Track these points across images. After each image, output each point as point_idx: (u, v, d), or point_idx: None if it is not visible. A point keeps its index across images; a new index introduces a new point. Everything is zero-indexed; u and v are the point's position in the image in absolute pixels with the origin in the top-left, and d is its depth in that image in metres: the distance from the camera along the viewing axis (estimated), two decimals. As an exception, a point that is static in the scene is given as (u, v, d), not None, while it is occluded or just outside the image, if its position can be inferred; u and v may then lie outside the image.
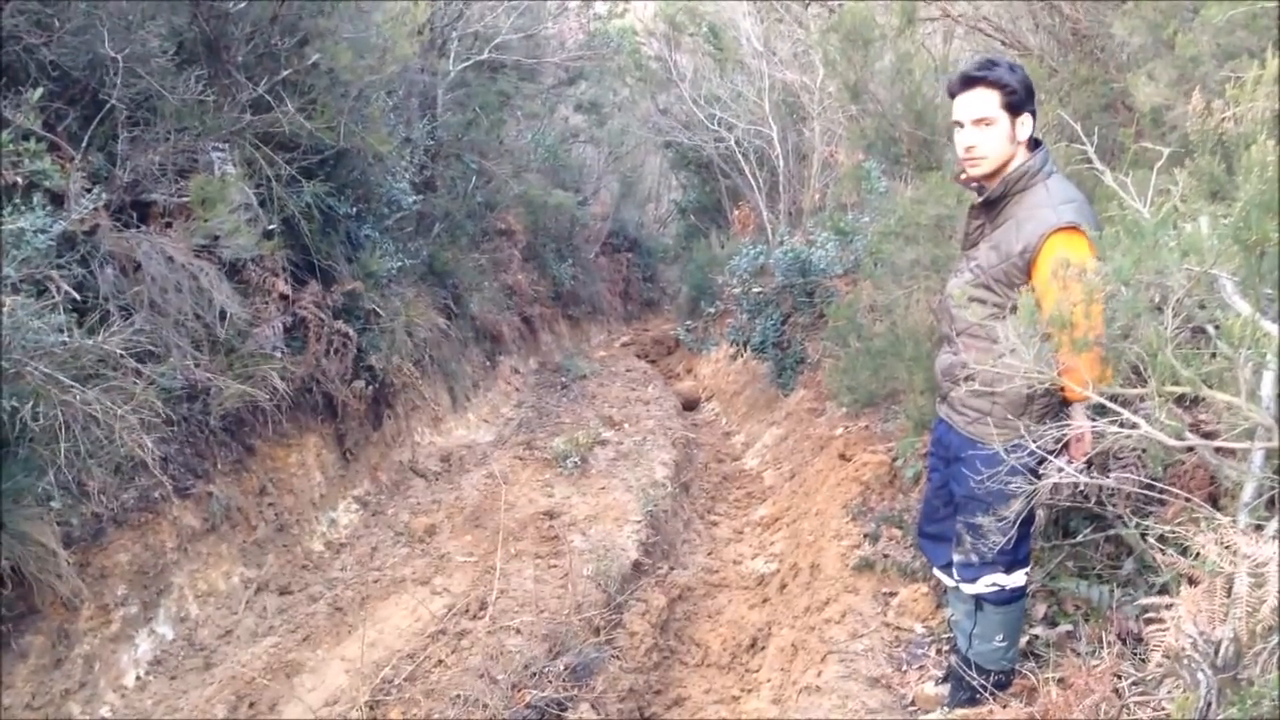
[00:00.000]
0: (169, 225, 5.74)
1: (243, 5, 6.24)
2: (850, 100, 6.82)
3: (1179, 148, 3.37)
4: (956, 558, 3.60)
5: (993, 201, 3.24)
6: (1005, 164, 3.21)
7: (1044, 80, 5.43)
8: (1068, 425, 3.05)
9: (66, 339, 4.42)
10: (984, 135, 3.18)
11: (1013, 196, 3.17)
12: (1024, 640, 3.89)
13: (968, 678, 3.70)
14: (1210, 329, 2.42)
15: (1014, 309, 2.85)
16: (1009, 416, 3.19)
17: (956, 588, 3.71)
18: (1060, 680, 3.40)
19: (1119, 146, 4.61)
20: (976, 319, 3.18)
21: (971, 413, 3.36)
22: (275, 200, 6.69)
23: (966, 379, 3.25)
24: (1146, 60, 4.36)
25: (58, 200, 4.91)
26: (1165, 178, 2.99)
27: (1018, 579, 3.50)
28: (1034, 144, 3.23)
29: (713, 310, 12.97)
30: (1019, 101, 3.14)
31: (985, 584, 3.52)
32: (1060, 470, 2.93)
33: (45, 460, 4.40)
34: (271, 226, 6.51)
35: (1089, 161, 3.54)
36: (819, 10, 10.90)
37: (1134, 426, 2.44)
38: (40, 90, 4.89)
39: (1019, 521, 3.20)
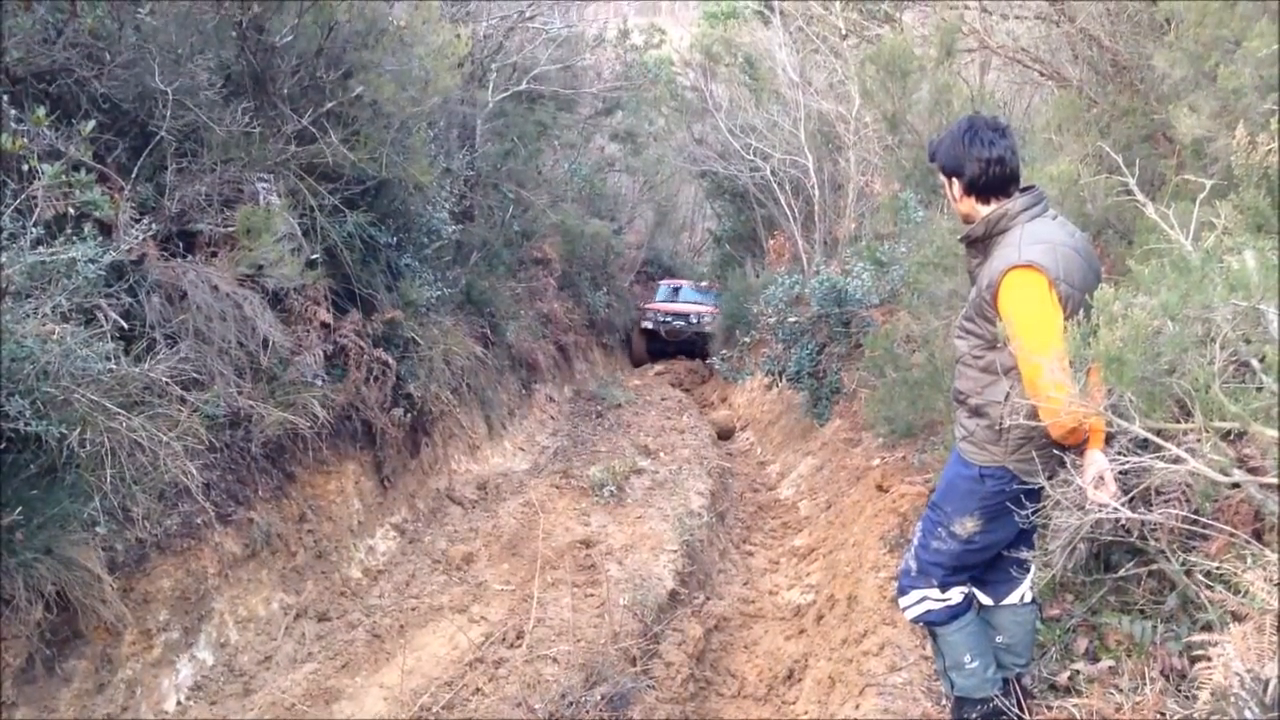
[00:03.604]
0: (214, 255, 5.84)
1: (289, 39, 6.35)
2: (888, 131, 6.85)
3: (1221, 180, 3.36)
4: (899, 565, 3.72)
5: (984, 239, 3.37)
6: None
7: (1083, 111, 5.43)
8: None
9: (113, 366, 4.48)
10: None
11: (995, 236, 3.31)
12: (1065, 675, 3.85)
13: (965, 714, 3.69)
14: (1255, 364, 2.41)
15: (993, 341, 3.15)
16: (990, 443, 3.32)
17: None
18: (1100, 718, 3.36)
19: (1160, 178, 4.60)
20: (966, 348, 3.39)
21: (961, 430, 3.49)
22: (318, 230, 6.78)
23: (961, 401, 3.45)
24: (1188, 92, 4.35)
25: (107, 230, 4.99)
26: (1207, 210, 2.98)
27: (951, 596, 3.58)
28: (1025, 189, 3.36)
29: (748, 339, 12.98)
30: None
31: (916, 598, 3.63)
32: (1102, 506, 2.93)
33: (91, 487, 4.45)
34: (314, 256, 6.59)
35: (1130, 193, 3.54)
36: (855, 41, 10.94)
37: (1182, 461, 2.43)
38: (91, 122, 4.99)
39: (969, 541, 3.42)
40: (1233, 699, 2.34)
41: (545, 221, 14.27)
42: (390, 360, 7.55)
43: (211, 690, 5.11)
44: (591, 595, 6.38)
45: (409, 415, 7.93)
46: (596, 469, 9.18)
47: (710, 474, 9.91)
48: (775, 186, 14.65)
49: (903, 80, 6.53)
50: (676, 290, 22.28)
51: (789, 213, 14.17)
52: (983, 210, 3.33)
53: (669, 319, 20.58)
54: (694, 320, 20.15)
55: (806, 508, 9.16)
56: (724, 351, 14.04)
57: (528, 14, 12.21)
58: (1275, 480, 2.45)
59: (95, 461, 4.42)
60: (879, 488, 7.28)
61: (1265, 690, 2.28)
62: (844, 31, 11.35)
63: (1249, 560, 2.45)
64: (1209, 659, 2.47)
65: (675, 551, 7.26)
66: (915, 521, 6.06)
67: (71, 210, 4.74)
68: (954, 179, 3.38)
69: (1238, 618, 2.52)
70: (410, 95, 7.20)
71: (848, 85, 11.83)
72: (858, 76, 9.31)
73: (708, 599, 6.94)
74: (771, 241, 16.17)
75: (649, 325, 20.87)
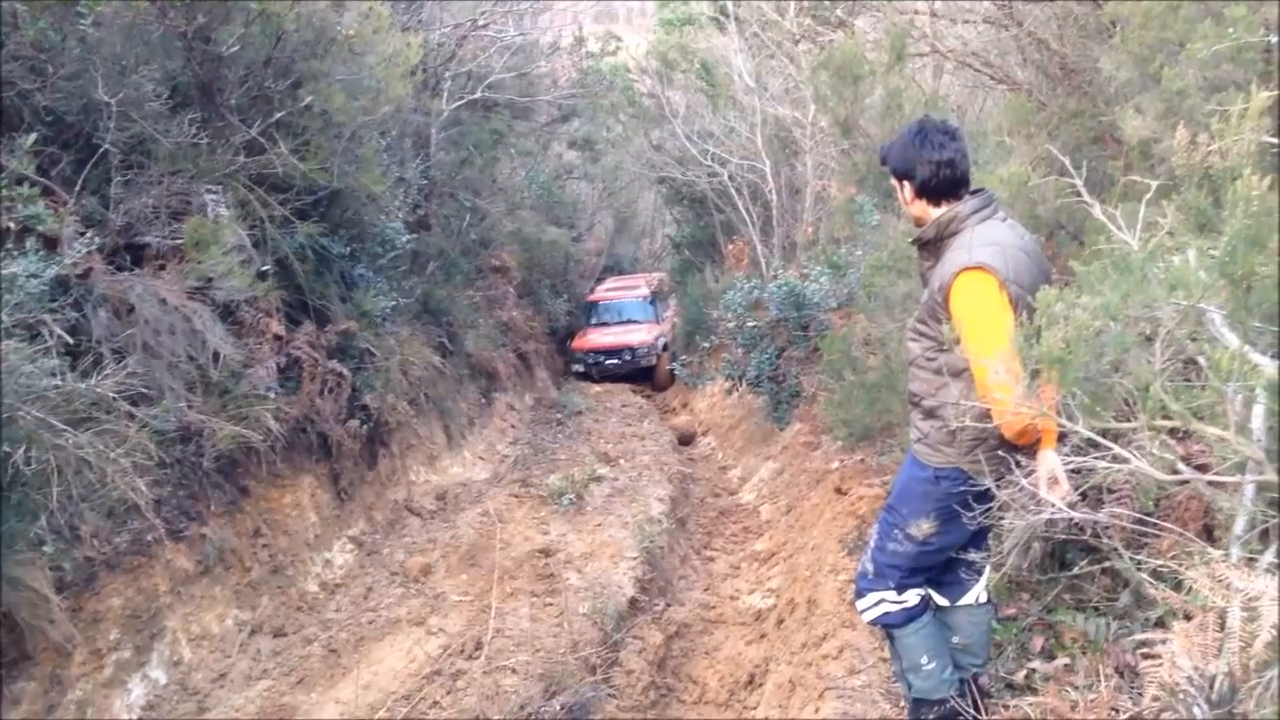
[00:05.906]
0: (162, 268, 5.76)
1: (236, 49, 6.28)
2: (842, 136, 6.86)
3: (1167, 181, 3.39)
4: (857, 568, 3.74)
5: (935, 241, 3.38)
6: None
7: (1033, 114, 5.47)
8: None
9: (59, 383, 4.41)
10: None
11: (946, 239, 3.32)
12: (1022, 674, 3.86)
13: (922, 715, 3.70)
14: (1201, 360, 2.42)
15: (944, 343, 3.13)
16: (944, 444, 3.34)
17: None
18: (1056, 716, 3.37)
19: (1108, 179, 4.64)
20: (919, 350, 3.39)
21: (916, 432, 3.50)
22: (269, 241, 6.71)
23: (915, 404, 3.45)
24: (1134, 94, 4.39)
25: (51, 244, 4.92)
26: (1154, 210, 3.01)
27: (907, 598, 3.58)
28: (975, 191, 3.37)
29: (707, 345, 12.98)
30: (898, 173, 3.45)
31: (873, 601, 3.62)
32: (1053, 506, 2.95)
33: (38, 505, 4.37)
34: (265, 267, 6.52)
35: (1079, 194, 3.56)
36: (809, 46, 10.98)
37: (1124, 460, 2.44)
38: (34, 135, 4.91)
39: (925, 542, 3.43)
40: (1181, 695, 2.35)
41: (503, 230, 14.25)
42: (345, 371, 7.48)
43: (165, 709, 5.03)
44: (551, 604, 6.34)
45: (365, 427, 7.86)
46: (556, 477, 9.15)
47: (671, 480, 9.89)
48: (733, 191, 14.67)
49: (855, 85, 6.56)
50: (617, 311, 19.48)
51: (747, 217, 14.20)
52: (934, 213, 3.33)
53: (600, 359, 18.18)
54: (629, 357, 18.06)
55: (767, 512, 9.16)
56: (684, 357, 14.04)
57: (481, 22, 12.17)
58: (1222, 479, 2.47)
59: (42, 479, 4.34)
60: (838, 490, 7.29)
61: (1212, 687, 2.29)
62: (798, 37, 11.40)
63: (1195, 558, 2.46)
64: (1158, 656, 2.48)
65: (635, 559, 7.24)
66: (873, 524, 6.09)
67: (13, 225, 4.67)
68: (905, 182, 3.38)
69: (1188, 615, 2.53)
70: (361, 104, 7.15)
71: (803, 90, 11.87)
72: (811, 82, 9.34)
73: (668, 606, 6.92)
74: (730, 246, 16.17)
75: (579, 369, 18.46)
